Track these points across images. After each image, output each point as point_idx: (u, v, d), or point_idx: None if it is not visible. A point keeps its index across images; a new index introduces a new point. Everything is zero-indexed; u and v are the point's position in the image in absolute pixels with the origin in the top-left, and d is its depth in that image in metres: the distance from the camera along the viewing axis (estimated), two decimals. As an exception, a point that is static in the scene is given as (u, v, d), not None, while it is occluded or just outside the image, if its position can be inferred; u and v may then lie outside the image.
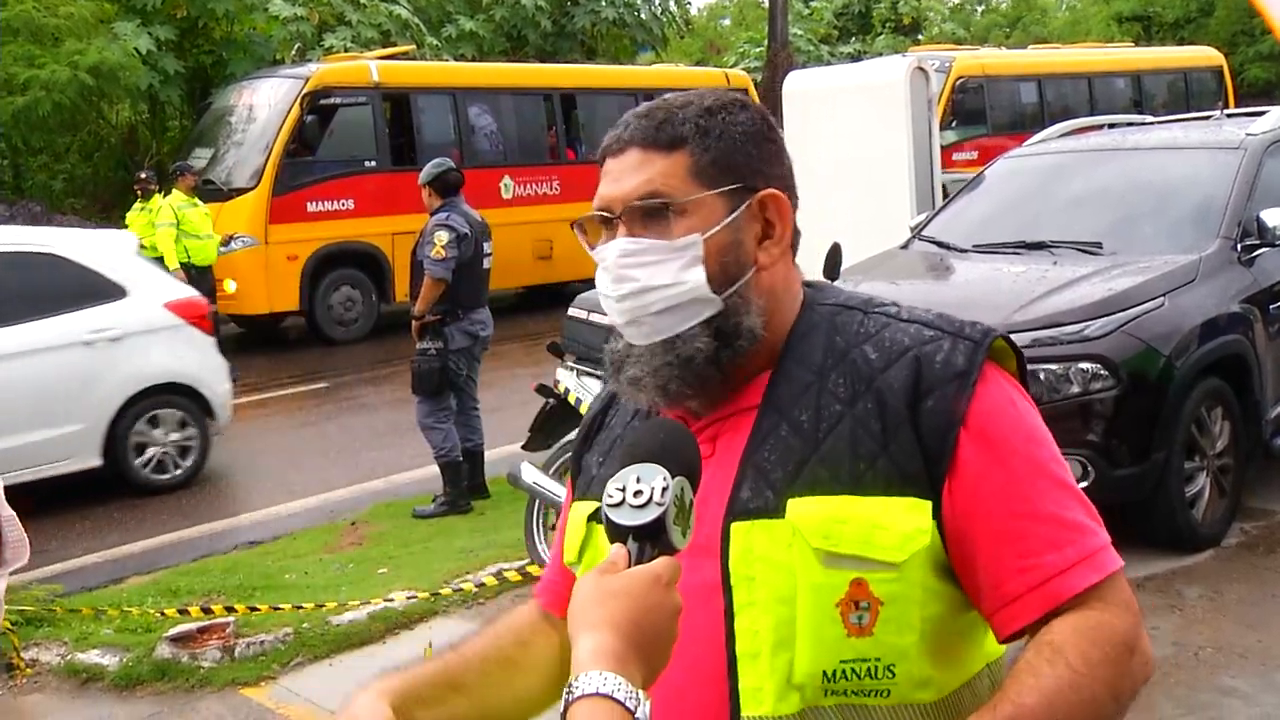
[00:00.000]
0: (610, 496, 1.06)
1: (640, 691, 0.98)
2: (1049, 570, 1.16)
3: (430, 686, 1.31)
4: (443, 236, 6.22)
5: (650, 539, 1.05)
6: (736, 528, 1.20)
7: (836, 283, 5.30)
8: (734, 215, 1.26)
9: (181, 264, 10.46)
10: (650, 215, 1.24)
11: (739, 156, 1.27)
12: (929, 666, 1.19)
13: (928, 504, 1.17)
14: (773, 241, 1.28)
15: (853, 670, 1.17)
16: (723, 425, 1.26)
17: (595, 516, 1.23)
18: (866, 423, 1.19)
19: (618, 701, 0.95)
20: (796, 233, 1.32)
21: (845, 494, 1.17)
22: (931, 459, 1.18)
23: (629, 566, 1.04)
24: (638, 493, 1.05)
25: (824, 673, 1.17)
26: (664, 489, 1.05)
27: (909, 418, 1.19)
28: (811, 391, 1.23)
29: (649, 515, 1.04)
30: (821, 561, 1.16)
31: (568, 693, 0.96)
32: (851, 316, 1.28)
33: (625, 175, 1.26)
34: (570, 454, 1.49)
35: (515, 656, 1.38)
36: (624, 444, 1.23)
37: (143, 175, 11.78)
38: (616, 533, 1.06)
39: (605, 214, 1.28)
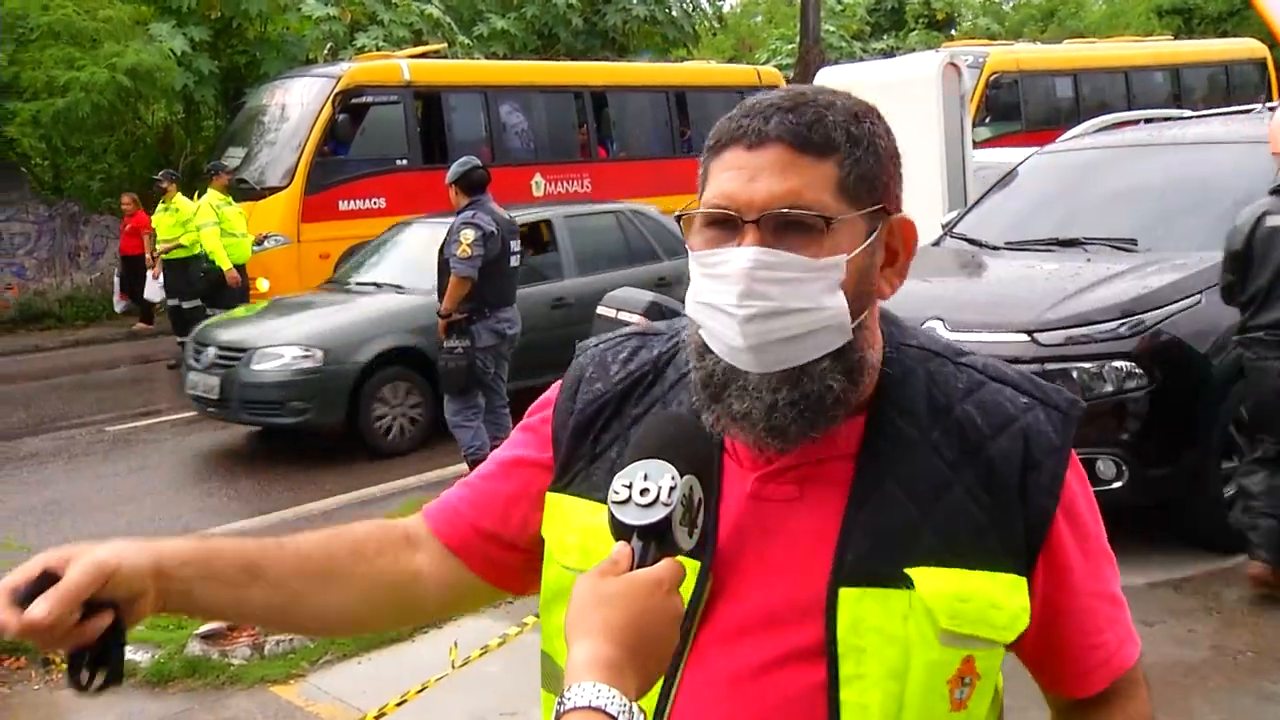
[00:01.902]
0: (616, 493, 1.03)
1: (635, 704, 0.95)
2: (1111, 647, 1.23)
3: (228, 564, 1.19)
4: (469, 235, 6.22)
5: (655, 539, 1.02)
6: (846, 594, 1.10)
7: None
8: (871, 238, 1.13)
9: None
10: (795, 227, 1.09)
11: (882, 175, 1.14)
12: None
13: (1024, 581, 1.15)
14: (894, 271, 1.18)
15: None
16: (814, 469, 1.15)
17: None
18: (976, 493, 1.14)
19: (610, 716, 0.92)
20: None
21: (960, 567, 1.12)
22: (1031, 533, 1.16)
23: (631, 566, 1.01)
24: (644, 490, 1.02)
25: None
26: (671, 488, 1.02)
27: (1019, 492, 1.15)
28: (917, 450, 1.15)
29: (655, 515, 1.01)
30: (940, 639, 1.11)
31: (559, 704, 0.94)
32: (943, 366, 1.20)
33: (765, 175, 1.09)
34: (561, 426, 1.29)
35: (340, 568, 1.25)
36: (633, 440, 1.16)
37: (158, 175, 11.89)
38: (620, 531, 1.03)
39: (732, 214, 1.11)
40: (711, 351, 1.14)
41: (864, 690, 1.10)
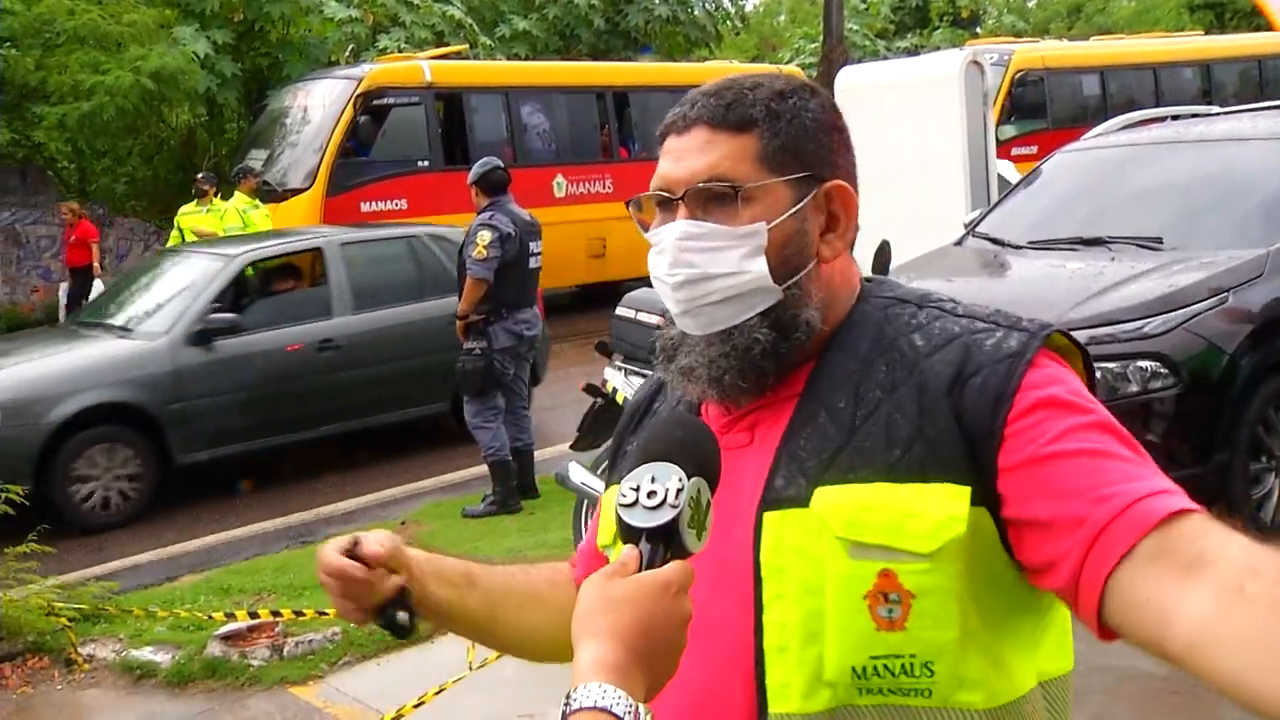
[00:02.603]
0: (624, 496, 1.03)
1: (641, 705, 0.94)
2: (1134, 494, 1.01)
3: (451, 569, 1.37)
4: (485, 236, 6.21)
5: (663, 541, 1.01)
6: (769, 518, 1.15)
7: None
8: (800, 205, 1.20)
9: None
10: (715, 199, 1.19)
11: (809, 144, 1.21)
12: (975, 667, 1.10)
13: (966, 489, 1.08)
14: (836, 235, 1.24)
15: (885, 667, 1.10)
16: (762, 414, 1.22)
17: None
18: (903, 407, 1.13)
19: (616, 717, 0.91)
20: (856, 227, 1.27)
21: (878, 481, 1.11)
22: (978, 437, 1.09)
23: (640, 569, 1.00)
24: (651, 493, 1.01)
25: (853, 669, 1.11)
26: (679, 490, 1.01)
27: (948, 399, 1.12)
28: (853, 379, 1.18)
29: (662, 517, 1.00)
30: (848, 552, 1.11)
31: (565, 704, 0.93)
32: (904, 309, 1.22)
33: (690, 155, 1.20)
34: (615, 437, 1.44)
35: (543, 592, 1.41)
36: (640, 442, 1.19)
37: (199, 176, 11.89)
38: (629, 534, 1.02)
39: (665, 194, 1.22)
40: (673, 321, 1.26)
41: (784, 609, 1.14)
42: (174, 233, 11.25)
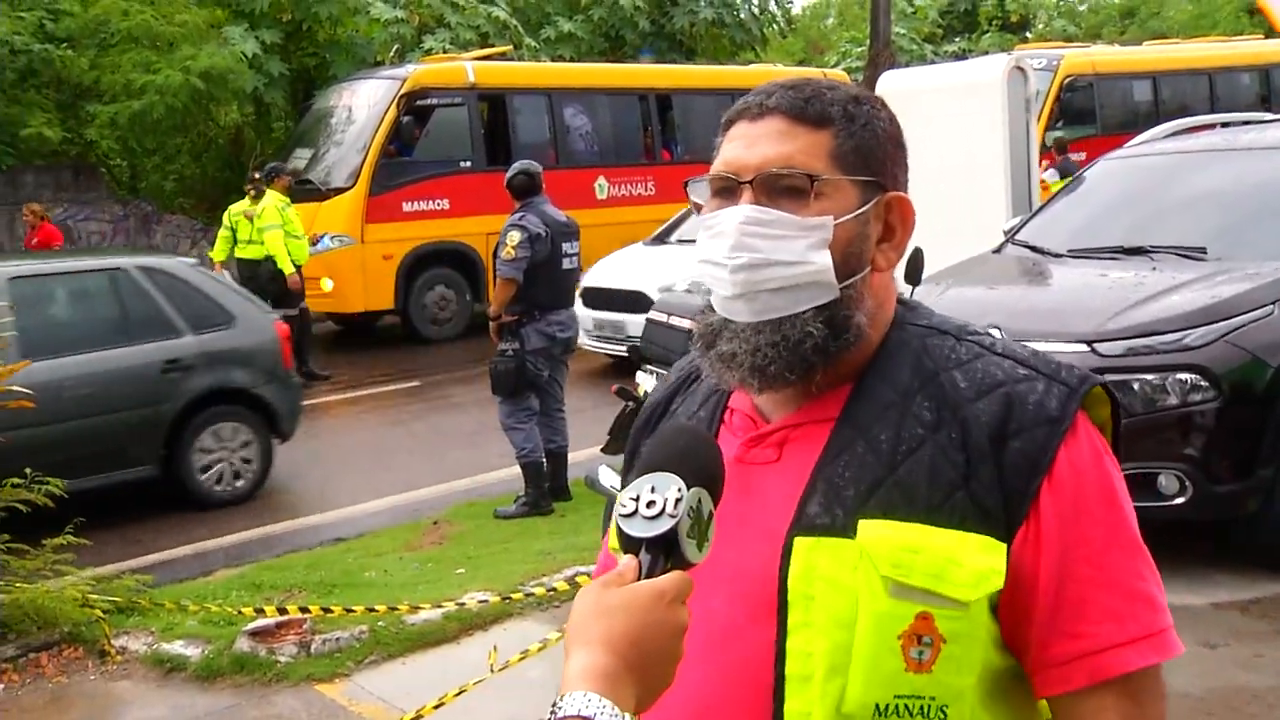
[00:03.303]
0: (623, 506, 1.02)
1: (629, 715, 0.93)
2: (1101, 642, 1.12)
3: None
4: (514, 237, 6.22)
5: (663, 551, 1.01)
6: (800, 543, 1.14)
7: (922, 294, 5.15)
8: (864, 208, 1.20)
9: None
10: (786, 188, 1.18)
11: (878, 151, 1.22)
12: (983, 713, 1.13)
13: (1003, 547, 1.12)
14: (891, 246, 1.24)
15: (905, 707, 1.11)
16: (794, 433, 1.20)
17: None
18: (948, 452, 1.14)
19: None
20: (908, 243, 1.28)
21: (919, 522, 1.12)
22: (1011, 501, 1.12)
23: (638, 578, 1.00)
24: (651, 503, 1.01)
25: (876, 705, 1.11)
26: (678, 500, 1.00)
27: (993, 454, 1.13)
28: (894, 411, 1.17)
29: (660, 527, 1.00)
30: (889, 590, 1.10)
31: (551, 712, 0.92)
32: (943, 341, 1.22)
33: (763, 142, 1.19)
34: (632, 438, 1.42)
35: None
36: (642, 452, 1.17)
37: (257, 176, 11.90)
38: (628, 543, 1.02)
39: (731, 178, 1.20)
40: (714, 309, 1.23)
41: (811, 638, 1.12)
42: (224, 231, 11.31)
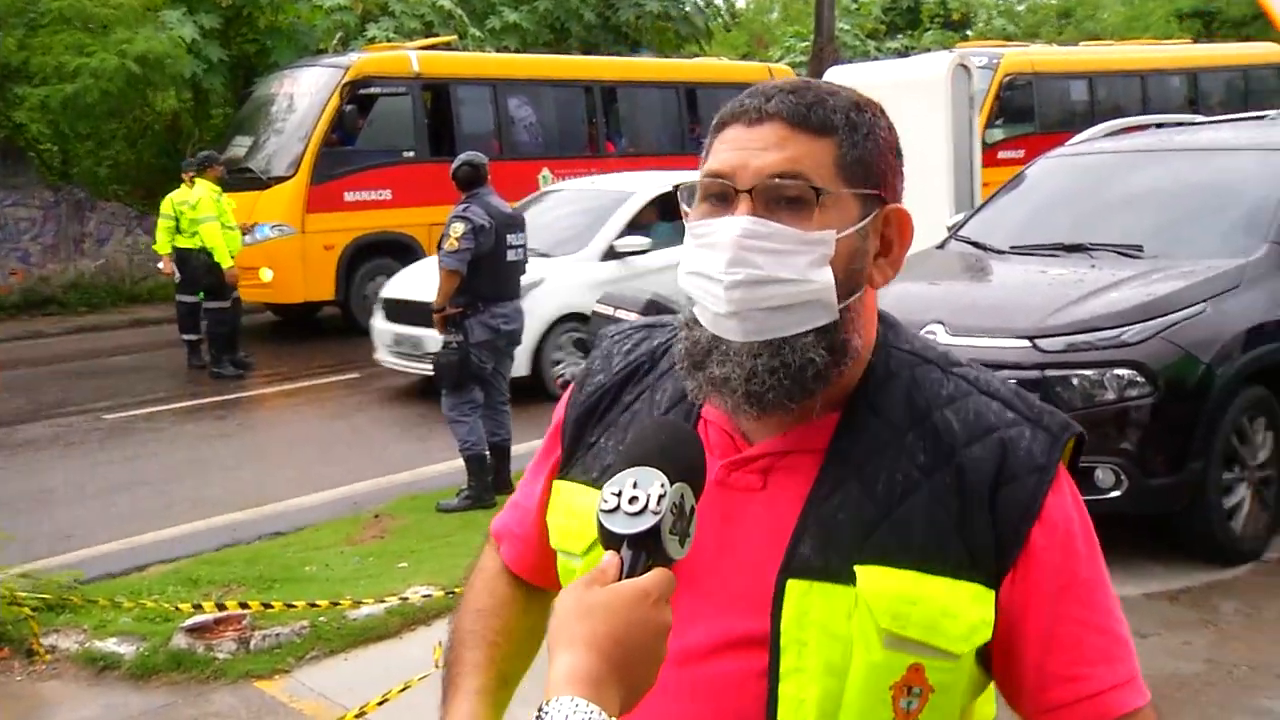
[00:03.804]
0: (605, 501, 1.01)
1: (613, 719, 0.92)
2: (1100, 684, 1.13)
3: (499, 688, 1.33)
4: (458, 228, 6.18)
5: (645, 548, 0.99)
6: (794, 586, 1.11)
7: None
8: (865, 221, 1.15)
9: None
10: (787, 199, 1.11)
11: (880, 162, 1.16)
12: None
13: (991, 594, 1.11)
14: (888, 261, 1.18)
15: None
16: (780, 460, 1.16)
17: None
18: (943, 497, 1.12)
19: None
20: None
21: (914, 569, 1.10)
22: (1002, 545, 1.12)
23: (620, 576, 0.98)
24: (633, 499, 0.99)
25: None
26: (660, 496, 0.99)
27: (988, 501, 1.12)
28: (889, 452, 1.14)
29: (643, 524, 0.99)
30: (883, 641, 1.09)
31: (536, 717, 0.91)
32: (930, 372, 1.19)
33: (764, 148, 1.12)
34: (568, 420, 1.34)
35: (525, 649, 1.40)
36: (624, 446, 1.14)
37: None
38: (609, 540, 1.00)
39: (727, 184, 1.13)
40: (699, 324, 1.16)
41: (802, 685, 1.10)
42: (165, 221, 10.76)
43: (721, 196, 1.14)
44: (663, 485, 1.00)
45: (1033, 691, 1.14)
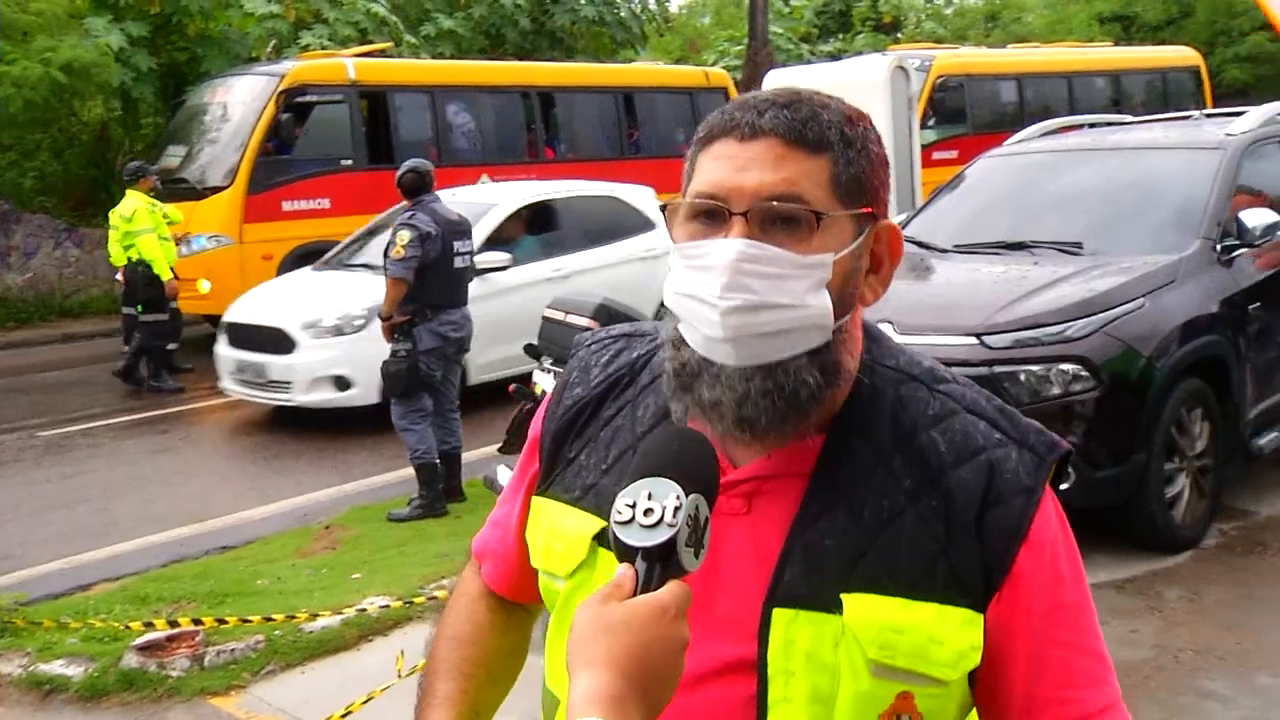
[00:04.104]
0: (619, 513, 0.99)
1: None
2: (1090, 707, 1.13)
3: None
4: (404, 236, 6.15)
5: (660, 560, 0.98)
6: (780, 614, 1.09)
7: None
8: (858, 241, 1.11)
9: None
10: (783, 220, 1.07)
11: (873, 179, 1.13)
12: None
13: (980, 618, 1.10)
14: (878, 279, 1.16)
15: None
16: (764, 485, 1.13)
17: (602, 538, 1.15)
18: (929, 521, 1.10)
19: None
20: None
21: (901, 596, 1.08)
22: (989, 568, 1.11)
23: (635, 588, 0.97)
24: (648, 510, 0.98)
25: None
26: (676, 508, 0.98)
27: (975, 525, 1.11)
28: (875, 476, 1.12)
29: (660, 536, 0.97)
30: (871, 670, 1.07)
31: None
32: (915, 390, 1.17)
33: (757, 167, 1.07)
34: (546, 433, 1.30)
35: (503, 675, 1.38)
36: (636, 455, 1.12)
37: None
38: (624, 553, 0.99)
39: (720, 205, 1.08)
40: (687, 344, 1.12)
41: (790, 714, 1.08)
42: (115, 234, 10.40)
43: (712, 215, 1.10)
44: (678, 497, 0.98)
45: (1020, 715, 1.13)
